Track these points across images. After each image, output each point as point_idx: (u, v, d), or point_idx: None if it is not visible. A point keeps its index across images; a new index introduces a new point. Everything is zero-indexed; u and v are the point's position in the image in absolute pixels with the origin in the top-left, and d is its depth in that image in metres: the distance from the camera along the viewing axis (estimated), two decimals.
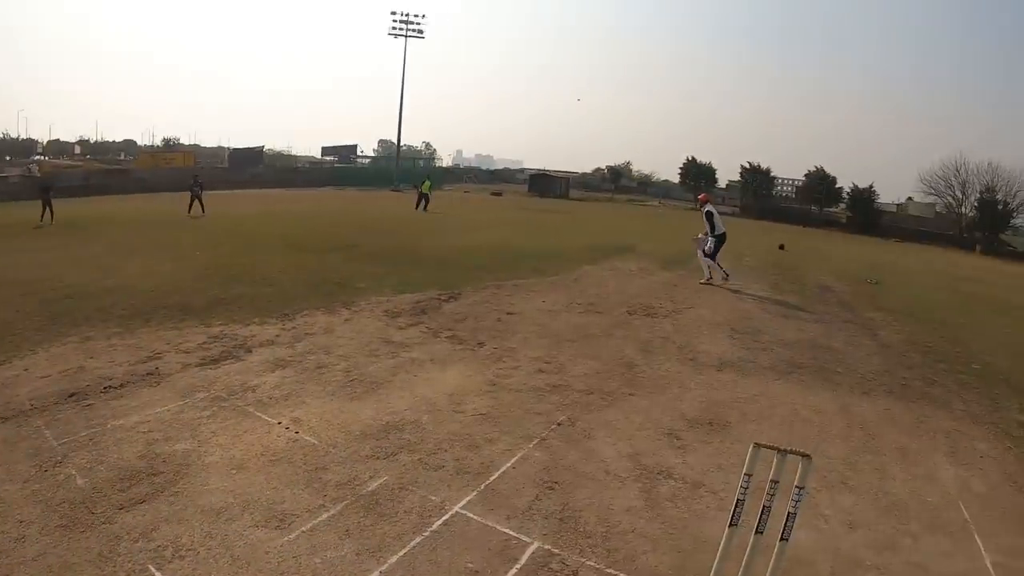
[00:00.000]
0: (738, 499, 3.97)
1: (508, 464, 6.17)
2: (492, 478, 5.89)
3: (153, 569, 4.51)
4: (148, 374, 8.38)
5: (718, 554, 4.09)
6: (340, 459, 6.18)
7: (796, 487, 3.82)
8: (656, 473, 6.14)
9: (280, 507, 5.34)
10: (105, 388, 7.88)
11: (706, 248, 17.61)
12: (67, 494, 5.47)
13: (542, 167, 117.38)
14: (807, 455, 3.82)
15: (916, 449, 7.22)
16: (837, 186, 77.65)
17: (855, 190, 73.58)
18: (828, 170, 78.82)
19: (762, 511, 3.89)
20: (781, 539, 3.88)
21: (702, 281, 17.53)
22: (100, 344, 9.59)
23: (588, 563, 4.72)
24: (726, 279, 17.51)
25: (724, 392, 8.60)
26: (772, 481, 3.86)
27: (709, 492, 5.84)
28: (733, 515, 4.00)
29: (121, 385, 7.98)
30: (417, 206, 42.35)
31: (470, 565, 4.64)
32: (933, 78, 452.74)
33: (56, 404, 7.37)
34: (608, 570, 4.66)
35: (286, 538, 4.91)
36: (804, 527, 4.85)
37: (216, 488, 5.62)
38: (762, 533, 3.93)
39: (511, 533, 5.05)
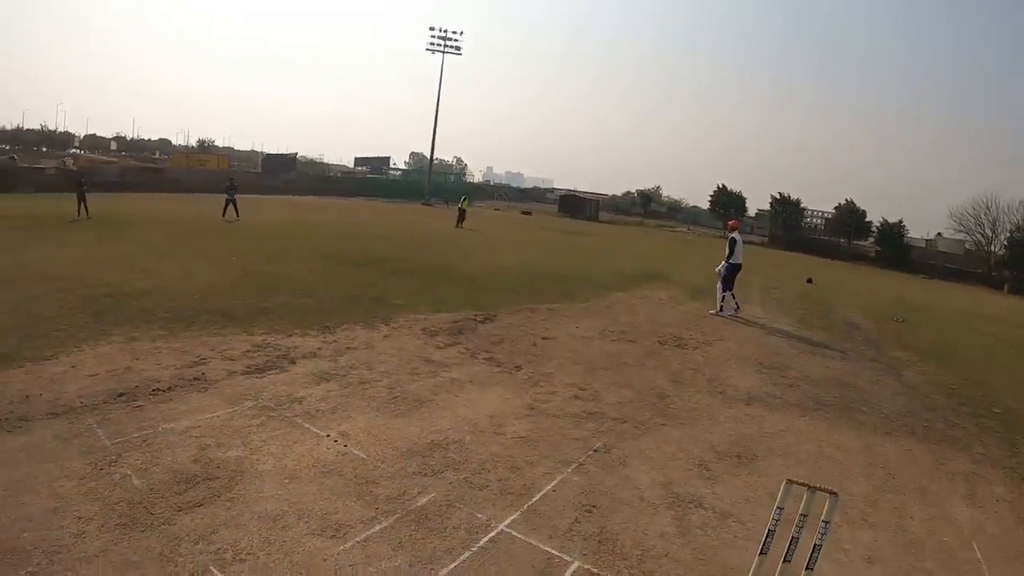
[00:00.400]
0: (769, 529, 4.33)
1: (549, 487, 6.49)
2: (534, 499, 6.21)
3: (215, 571, 4.79)
4: (195, 379, 8.69)
5: None
6: (389, 474, 6.49)
7: (823, 521, 4.17)
8: (687, 502, 6.45)
9: (334, 517, 5.63)
10: (154, 390, 8.19)
11: (719, 270, 17.92)
12: (124, 493, 5.74)
13: (571, 187, 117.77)
14: (835, 493, 4.17)
15: (935, 490, 7.44)
16: (867, 220, 77.42)
17: (884, 224, 73.33)
18: (858, 203, 78.66)
19: (791, 542, 4.24)
20: (807, 568, 4.22)
21: (711, 312, 17.79)
22: (145, 346, 9.92)
23: None
24: (736, 311, 17.78)
25: (752, 426, 8.87)
26: (801, 515, 4.21)
27: (737, 522, 6.13)
28: (764, 544, 4.35)
29: (169, 388, 8.30)
30: (458, 224, 42.82)
31: None
32: (968, 117, 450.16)
33: (106, 403, 7.67)
34: None
35: (341, 547, 5.20)
36: (826, 560, 5.11)
37: (271, 496, 5.91)
38: (789, 562, 4.28)
39: (553, 552, 5.36)
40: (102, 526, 5.23)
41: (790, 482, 4.32)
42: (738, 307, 17.89)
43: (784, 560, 4.31)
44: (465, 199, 46.92)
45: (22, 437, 6.68)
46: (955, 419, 10.32)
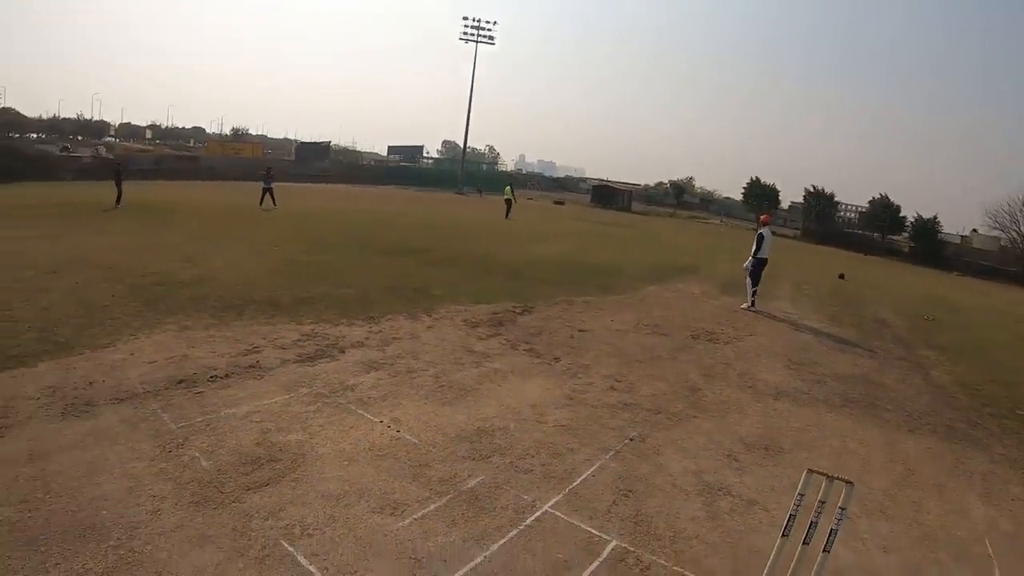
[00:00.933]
0: (790, 514, 4.75)
1: (588, 472, 6.94)
2: (575, 483, 6.66)
3: (285, 544, 5.23)
4: (250, 367, 9.16)
5: (769, 560, 4.86)
6: (440, 458, 6.96)
7: (839, 508, 4.58)
8: (717, 489, 6.87)
9: (392, 497, 6.09)
10: (211, 377, 8.65)
11: (746, 266, 18.21)
12: (194, 474, 6.17)
13: (603, 177, 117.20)
14: (850, 482, 4.58)
15: (952, 487, 7.75)
16: (901, 215, 76.79)
17: (919, 220, 72.68)
18: (892, 198, 78.04)
19: (809, 526, 4.65)
20: (824, 551, 4.64)
21: (743, 306, 18.10)
22: (199, 334, 10.37)
23: (659, 561, 5.47)
24: (751, 307, 18.02)
25: (779, 420, 9.23)
26: (820, 501, 4.63)
27: (763, 509, 6.54)
28: (785, 527, 4.77)
29: (226, 375, 8.77)
30: (507, 215, 43.09)
31: (560, 556, 5.41)
32: (1005, 112, 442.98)
33: (167, 389, 8.12)
34: (675, 568, 5.40)
35: (400, 524, 5.65)
36: (845, 547, 5.50)
37: (332, 477, 6.37)
38: (808, 544, 4.70)
39: (593, 531, 5.82)
40: (176, 504, 5.64)
41: (810, 471, 4.74)
42: (753, 303, 18.12)
43: (803, 543, 4.72)
44: (509, 188, 46.90)
45: (89, 422, 7.11)
46: (978, 419, 10.55)
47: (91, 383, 8.12)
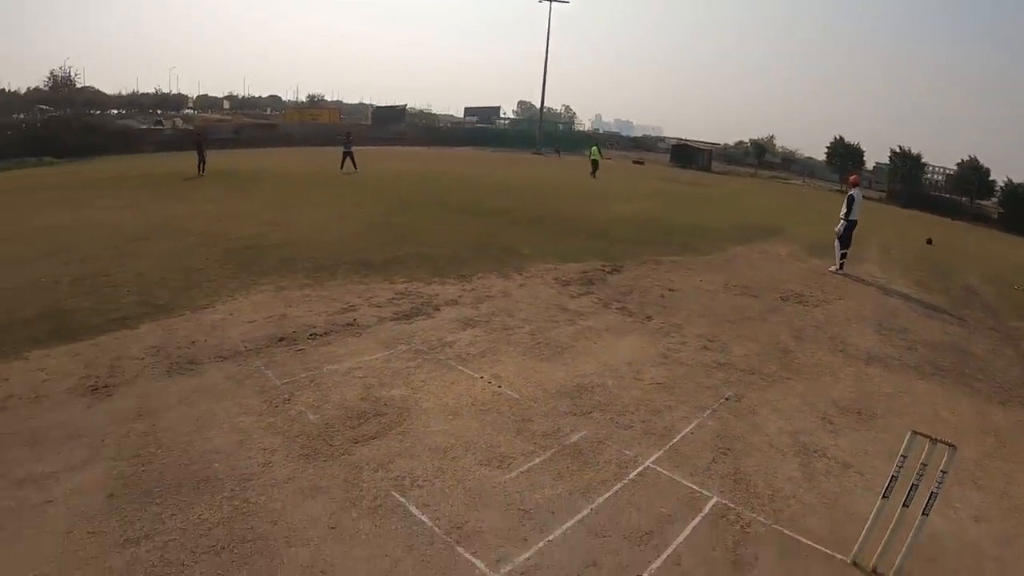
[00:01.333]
0: (892, 476, 4.93)
1: (687, 429, 7.20)
2: (674, 440, 6.93)
3: (397, 495, 5.56)
4: (348, 324, 9.58)
5: (869, 521, 5.06)
6: (542, 413, 7.29)
7: (941, 471, 4.74)
8: (812, 451, 7.05)
9: (498, 450, 6.43)
10: (311, 335, 9.05)
11: (837, 229, 17.97)
12: (303, 428, 6.56)
13: (681, 136, 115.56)
14: (953, 446, 4.73)
15: None
16: (990, 179, 74.33)
17: (1008, 184, 70.24)
18: (982, 161, 75.56)
19: (911, 488, 4.82)
20: (923, 514, 4.80)
21: (831, 269, 17.94)
22: (294, 294, 10.81)
23: (758, 519, 5.70)
24: (839, 269, 17.85)
25: (871, 385, 9.29)
26: (922, 464, 4.78)
27: (857, 473, 6.70)
28: (886, 489, 4.95)
29: (326, 333, 9.17)
30: (593, 173, 43.17)
31: (663, 510, 5.68)
32: None
33: (268, 347, 8.54)
34: (774, 526, 5.62)
35: (507, 476, 5.99)
36: (937, 515, 5.56)
37: (438, 430, 6.72)
38: (907, 507, 4.86)
39: (694, 487, 6.07)
40: (286, 456, 6.03)
41: (914, 433, 4.87)
42: (841, 266, 17.95)
43: (903, 505, 4.89)
44: (595, 148, 46.65)
45: (195, 379, 7.53)
46: None
47: (193, 342, 8.59)
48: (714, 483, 6.18)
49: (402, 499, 5.50)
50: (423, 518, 5.28)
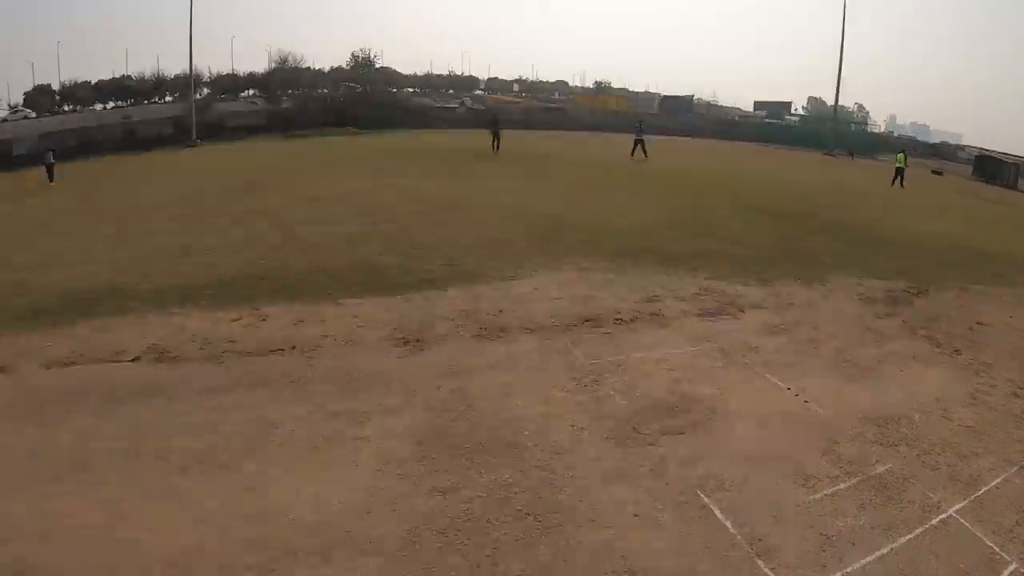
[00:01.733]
0: None
1: (993, 482, 6.60)
2: (979, 492, 6.38)
3: (702, 495, 5.63)
4: (653, 314, 9.74)
5: None
6: (849, 436, 7.05)
7: None
8: None
9: (803, 468, 6.31)
10: (617, 319, 9.29)
11: None
12: (611, 411, 6.76)
13: (983, 146, 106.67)
14: None
15: None
16: None
17: None
18: None
19: None
20: None
21: None
22: (598, 277, 11.09)
23: None
24: None
25: None
26: None
27: None
28: None
29: (631, 320, 9.39)
30: (895, 181, 41.28)
31: (961, 566, 5.27)
32: None
33: (575, 326, 8.85)
34: None
35: (811, 497, 5.87)
36: None
37: (745, 437, 6.70)
38: None
39: (995, 548, 5.54)
40: (593, 436, 6.27)
41: None
42: None
43: None
44: (902, 155, 44.47)
45: (503, 346, 8.00)
46: None
47: (501, 311, 9.13)
48: (1015, 548, 5.60)
49: (706, 500, 5.60)
50: (726, 523, 5.35)
